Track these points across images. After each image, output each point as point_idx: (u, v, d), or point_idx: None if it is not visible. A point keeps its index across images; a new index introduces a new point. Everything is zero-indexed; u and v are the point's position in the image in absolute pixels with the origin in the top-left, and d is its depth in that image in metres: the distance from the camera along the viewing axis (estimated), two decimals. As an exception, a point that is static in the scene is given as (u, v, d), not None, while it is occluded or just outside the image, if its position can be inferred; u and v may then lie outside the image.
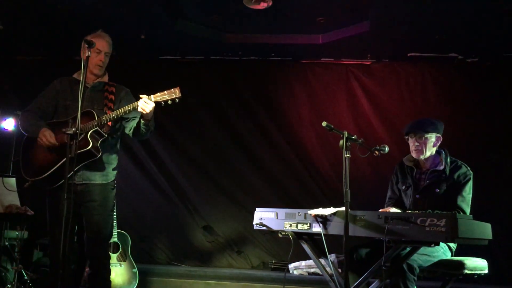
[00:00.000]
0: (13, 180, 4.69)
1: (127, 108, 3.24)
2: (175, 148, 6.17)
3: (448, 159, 3.43)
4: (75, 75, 3.51)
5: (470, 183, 3.36)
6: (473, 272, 3.15)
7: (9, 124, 5.79)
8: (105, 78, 3.53)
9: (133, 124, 3.41)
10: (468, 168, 3.41)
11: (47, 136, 3.27)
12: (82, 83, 2.99)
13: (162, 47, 6.05)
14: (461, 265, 3.11)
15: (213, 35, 5.61)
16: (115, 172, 3.52)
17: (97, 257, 3.37)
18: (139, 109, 3.19)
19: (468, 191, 3.34)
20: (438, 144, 3.46)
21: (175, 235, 6.03)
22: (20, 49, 6.16)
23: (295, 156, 5.99)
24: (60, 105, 3.46)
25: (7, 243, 4.70)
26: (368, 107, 5.89)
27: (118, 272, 4.61)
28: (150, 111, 3.20)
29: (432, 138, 3.41)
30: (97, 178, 3.38)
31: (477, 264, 3.19)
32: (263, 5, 4.77)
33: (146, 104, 3.17)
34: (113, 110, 3.37)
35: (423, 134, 3.38)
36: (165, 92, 3.19)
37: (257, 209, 3.37)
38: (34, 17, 5.28)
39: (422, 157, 3.41)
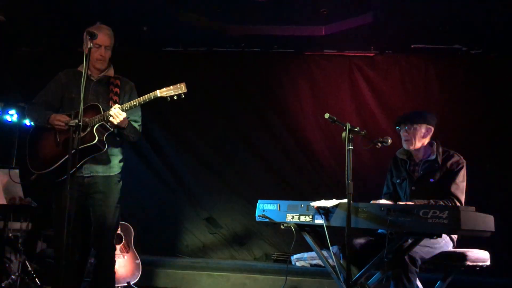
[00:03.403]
0: (16, 172, 4.70)
1: (133, 103, 3.23)
2: (177, 140, 6.18)
3: (440, 149, 3.45)
4: (79, 68, 3.48)
5: (464, 171, 3.38)
6: (475, 264, 3.15)
7: (12, 116, 5.79)
8: (110, 72, 3.52)
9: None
10: (461, 157, 3.43)
11: (61, 118, 3.27)
12: (84, 75, 2.99)
13: (164, 39, 6.03)
14: (463, 256, 3.11)
15: (215, 27, 5.59)
16: (121, 164, 3.53)
17: (102, 248, 3.39)
18: (110, 118, 3.19)
19: (461, 179, 3.35)
20: (429, 136, 3.48)
21: (178, 226, 6.05)
22: (22, 40, 6.15)
23: (298, 148, 6.00)
24: (65, 98, 3.46)
25: (11, 235, 4.72)
26: (371, 99, 5.88)
27: (121, 263, 4.63)
28: (122, 121, 3.20)
29: (422, 129, 3.44)
30: (103, 170, 3.40)
31: (479, 256, 3.19)
32: (266, -4, 4.74)
33: (118, 114, 3.17)
34: (118, 104, 3.36)
35: (412, 125, 3.41)
36: (171, 87, 3.19)
37: (259, 201, 3.37)
38: (36, 9, 5.27)
39: (412, 147, 3.45)
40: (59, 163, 3.27)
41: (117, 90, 3.46)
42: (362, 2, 4.98)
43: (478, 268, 3.20)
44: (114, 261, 3.46)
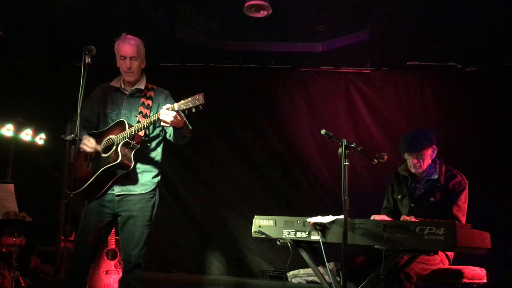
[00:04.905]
0: (11, 186, 4.68)
1: (152, 118, 3.13)
2: (173, 155, 6.14)
3: (443, 168, 3.44)
4: (112, 83, 3.48)
5: (466, 192, 3.36)
6: (471, 281, 3.14)
7: (8, 130, 5.77)
8: (142, 84, 3.44)
9: (171, 130, 3.29)
10: (464, 177, 3.42)
11: (87, 143, 3.23)
12: (81, 89, 2.93)
13: (162, 54, 6.06)
14: (460, 274, 3.10)
15: (213, 42, 5.63)
16: (157, 180, 3.43)
17: (128, 267, 3.26)
18: (162, 123, 3.08)
19: (463, 200, 3.34)
20: (434, 155, 3.47)
21: (173, 242, 6.01)
22: (20, 55, 6.16)
23: (294, 164, 6.00)
24: (101, 114, 3.41)
25: (4, 250, 4.68)
26: (367, 116, 5.90)
27: (116, 279, 4.59)
28: (173, 121, 3.04)
29: (429, 151, 3.43)
30: (135, 188, 3.30)
31: (476, 273, 3.19)
32: (263, 13, 4.79)
33: (166, 115, 3.02)
34: (148, 117, 3.27)
35: (421, 151, 3.39)
36: (189, 99, 2.98)
37: (255, 216, 3.36)
38: (35, 24, 5.30)
39: (421, 171, 3.44)
40: (88, 182, 3.24)
41: (149, 102, 3.37)
42: (358, 19, 5.03)
43: (474, 286, 3.19)
44: (140, 279, 3.27)
